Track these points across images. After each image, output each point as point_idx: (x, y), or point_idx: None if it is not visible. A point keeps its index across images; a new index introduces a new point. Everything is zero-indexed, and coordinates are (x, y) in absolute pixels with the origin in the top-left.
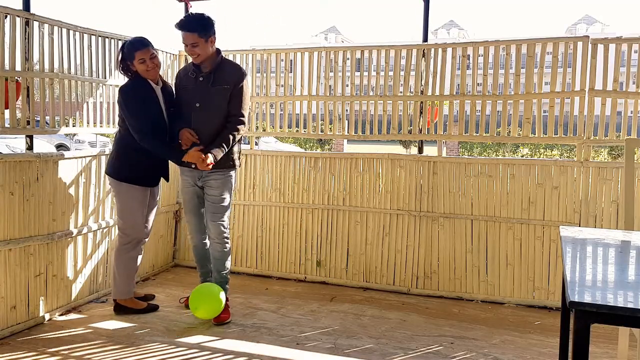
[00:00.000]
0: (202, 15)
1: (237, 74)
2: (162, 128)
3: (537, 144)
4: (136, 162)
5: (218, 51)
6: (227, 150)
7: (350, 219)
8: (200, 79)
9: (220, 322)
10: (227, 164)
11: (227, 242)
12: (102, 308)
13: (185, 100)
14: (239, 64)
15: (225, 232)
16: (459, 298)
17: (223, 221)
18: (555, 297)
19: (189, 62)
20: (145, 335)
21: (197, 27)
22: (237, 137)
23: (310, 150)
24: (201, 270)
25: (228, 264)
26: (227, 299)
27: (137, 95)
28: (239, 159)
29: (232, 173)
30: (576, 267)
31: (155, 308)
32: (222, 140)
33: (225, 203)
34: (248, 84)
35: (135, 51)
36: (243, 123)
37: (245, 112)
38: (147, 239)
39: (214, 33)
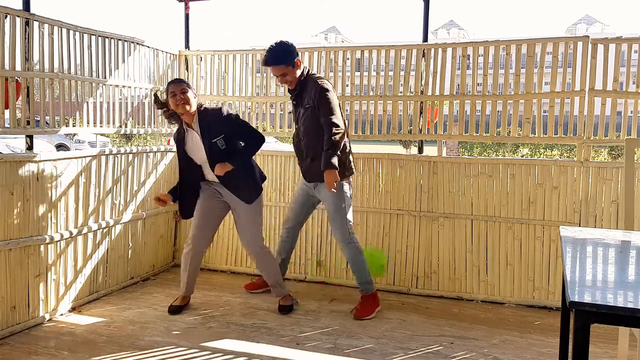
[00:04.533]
0: (282, 44)
1: (315, 90)
2: (184, 171)
3: (537, 144)
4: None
5: (302, 70)
6: (335, 152)
7: None
8: (294, 102)
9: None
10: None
11: (349, 244)
12: (102, 308)
13: (294, 121)
14: (320, 78)
15: (346, 236)
16: (459, 298)
17: (340, 226)
18: (555, 297)
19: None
20: (145, 335)
21: (282, 59)
22: (338, 138)
23: None
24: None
25: (357, 268)
26: None
27: (176, 141)
28: (349, 166)
29: (341, 183)
30: (576, 267)
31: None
32: (327, 149)
33: (336, 210)
34: (331, 92)
35: (168, 85)
36: (335, 124)
37: (336, 116)
38: (254, 250)
39: (298, 55)
